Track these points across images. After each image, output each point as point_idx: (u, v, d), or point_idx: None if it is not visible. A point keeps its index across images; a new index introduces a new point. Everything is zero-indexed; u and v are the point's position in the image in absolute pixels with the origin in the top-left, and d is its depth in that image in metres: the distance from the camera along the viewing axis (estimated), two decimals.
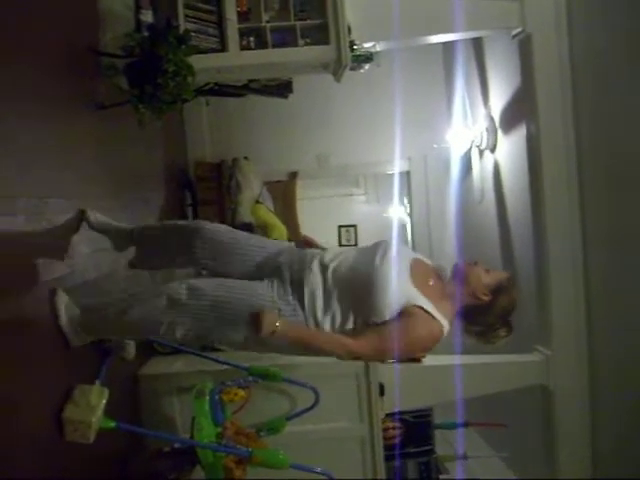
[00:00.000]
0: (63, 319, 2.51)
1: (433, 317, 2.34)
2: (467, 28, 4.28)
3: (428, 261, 2.62)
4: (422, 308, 2.32)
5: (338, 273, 2.42)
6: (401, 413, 4.08)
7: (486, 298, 2.47)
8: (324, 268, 2.44)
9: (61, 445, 2.49)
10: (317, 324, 2.37)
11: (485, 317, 2.49)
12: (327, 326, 2.37)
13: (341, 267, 2.44)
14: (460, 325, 2.52)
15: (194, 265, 2.66)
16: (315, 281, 2.42)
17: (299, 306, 2.39)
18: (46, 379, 2.44)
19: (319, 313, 2.37)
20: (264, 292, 2.41)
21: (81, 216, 2.83)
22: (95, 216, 2.86)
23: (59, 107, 2.86)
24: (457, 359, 4.26)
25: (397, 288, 2.33)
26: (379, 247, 2.48)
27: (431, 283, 2.47)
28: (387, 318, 2.30)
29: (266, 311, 2.20)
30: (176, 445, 3.37)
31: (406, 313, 2.31)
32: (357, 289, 2.38)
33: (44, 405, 2.43)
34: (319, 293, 2.40)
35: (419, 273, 2.46)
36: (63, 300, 2.53)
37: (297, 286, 2.42)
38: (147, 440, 3.44)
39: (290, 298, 2.40)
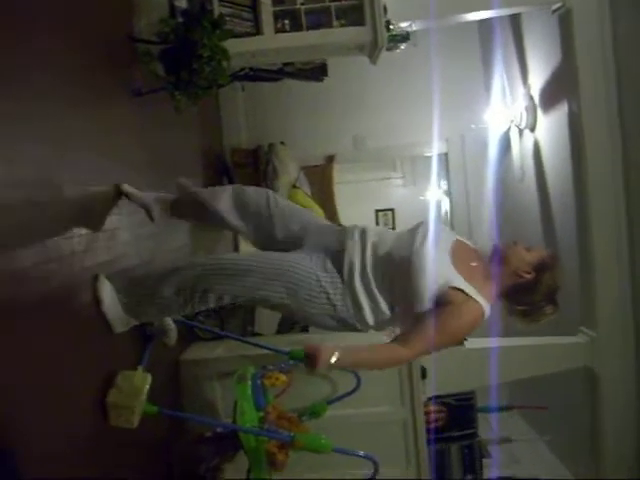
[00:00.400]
0: (106, 305, 2.52)
1: (474, 300, 2.32)
2: (505, 4, 4.21)
3: (470, 242, 2.59)
4: (461, 290, 2.30)
5: (378, 251, 2.43)
6: (444, 397, 4.05)
7: (529, 276, 2.44)
8: (364, 240, 2.47)
9: (106, 430, 2.51)
10: (355, 301, 2.40)
11: (530, 296, 2.46)
12: (367, 311, 2.39)
13: (380, 246, 2.45)
14: (505, 306, 2.49)
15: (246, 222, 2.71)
16: (355, 249, 2.44)
17: (338, 277, 2.41)
18: (90, 365, 2.46)
19: (357, 285, 2.39)
20: (304, 263, 2.44)
21: (118, 190, 2.85)
22: (129, 189, 2.88)
23: (97, 94, 2.87)
24: (500, 341, 4.22)
25: (438, 271, 2.31)
26: (418, 230, 2.47)
27: (474, 264, 2.45)
28: (428, 304, 2.30)
29: (323, 346, 2.20)
30: (218, 430, 3.38)
31: (446, 299, 2.30)
32: (397, 273, 2.38)
33: (88, 391, 2.45)
34: (357, 263, 2.41)
35: (461, 255, 2.45)
36: (106, 286, 2.55)
37: (337, 257, 2.45)
38: (189, 425, 3.47)
39: (330, 266, 2.44)
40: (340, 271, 2.43)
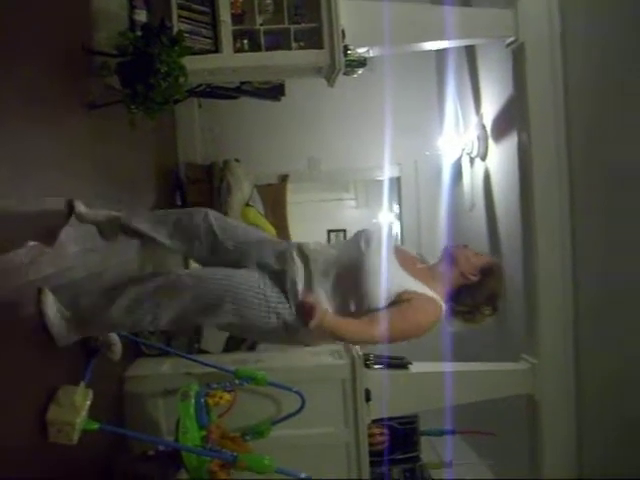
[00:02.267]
0: (50, 318, 2.49)
1: (429, 295, 2.42)
2: (460, 36, 4.29)
3: (408, 249, 2.75)
4: (414, 291, 2.40)
5: (320, 263, 2.50)
6: (387, 419, 4.07)
7: (475, 278, 2.57)
8: (305, 258, 2.52)
9: (44, 446, 2.46)
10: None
11: (473, 297, 2.57)
12: None
13: (324, 257, 2.53)
14: (448, 307, 2.57)
15: (188, 244, 2.73)
16: (295, 269, 2.50)
17: (283, 296, 2.46)
18: (30, 379, 2.42)
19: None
20: (253, 281, 2.48)
21: (70, 206, 2.84)
22: (82, 207, 2.87)
23: (51, 106, 2.85)
24: (445, 366, 4.27)
25: (387, 272, 2.41)
26: (361, 236, 2.56)
27: (419, 267, 2.59)
28: (382, 304, 2.37)
29: (317, 301, 2.25)
30: (160, 448, 3.34)
31: (402, 299, 2.38)
32: (346, 278, 2.45)
33: (28, 405, 2.40)
34: (300, 283, 2.47)
35: (405, 258, 2.58)
36: (50, 299, 2.51)
37: (279, 275, 2.50)
38: (131, 442, 3.42)
39: (274, 284, 2.49)
40: (283, 290, 2.47)
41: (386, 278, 2.38)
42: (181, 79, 3.22)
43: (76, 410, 2.51)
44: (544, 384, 4.17)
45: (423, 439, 4.25)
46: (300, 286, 2.46)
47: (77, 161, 3.13)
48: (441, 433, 4.36)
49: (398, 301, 2.38)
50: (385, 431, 4.07)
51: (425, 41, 4.41)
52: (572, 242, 4.04)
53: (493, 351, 5.16)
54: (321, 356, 4.00)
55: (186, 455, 2.77)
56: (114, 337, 3.16)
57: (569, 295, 4.08)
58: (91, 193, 3.16)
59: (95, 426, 2.62)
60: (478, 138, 5.33)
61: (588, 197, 3.91)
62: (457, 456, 4.66)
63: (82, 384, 2.72)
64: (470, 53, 5.56)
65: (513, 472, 4.82)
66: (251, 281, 2.48)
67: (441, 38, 4.32)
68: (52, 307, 2.51)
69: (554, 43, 4.05)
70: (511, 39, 4.18)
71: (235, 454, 2.62)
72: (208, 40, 3.98)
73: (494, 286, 2.60)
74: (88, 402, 2.61)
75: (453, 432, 4.36)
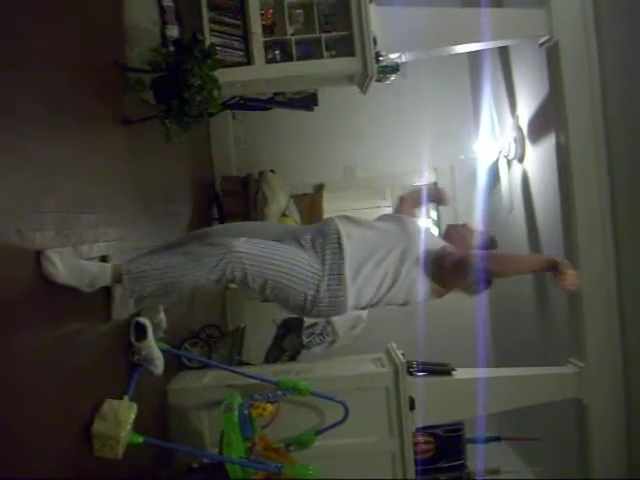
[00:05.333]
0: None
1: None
2: (494, 37, 4.25)
3: None
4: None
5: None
6: (432, 427, 4.02)
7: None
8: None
9: (90, 460, 2.48)
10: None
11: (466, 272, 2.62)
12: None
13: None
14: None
15: None
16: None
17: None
18: (77, 392, 2.43)
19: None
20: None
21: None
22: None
23: (87, 122, 2.88)
24: (489, 372, 4.21)
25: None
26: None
27: None
28: None
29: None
30: (205, 460, 3.35)
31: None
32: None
33: (73, 419, 2.42)
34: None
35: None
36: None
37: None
38: (176, 455, 3.43)
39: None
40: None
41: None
42: (215, 92, 3.24)
43: (121, 424, 2.53)
44: (592, 388, 4.09)
45: (469, 446, 4.18)
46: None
47: (114, 176, 3.16)
48: (486, 440, 4.29)
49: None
50: (430, 439, 4.02)
51: (457, 44, 4.38)
52: (615, 243, 3.96)
53: (539, 356, 5.08)
54: (364, 364, 3.98)
55: (230, 467, 2.77)
56: (156, 351, 3.17)
57: (614, 297, 4.00)
58: (127, 206, 3.19)
59: (140, 440, 2.63)
60: (515, 140, 5.27)
61: (630, 197, 3.83)
62: (504, 463, 4.58)
63: (126, 398, 2.74)
64: (503, 54, 5.51)
65: (561, 479, 4.73)
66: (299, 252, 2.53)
67: (473, 40, 4.28)
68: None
69: (589, 40, 3.98)
70: (545, 38, 4.13)
71: (279, 465, 2.62)
72: (240, 52, 4.01)
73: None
74: (133, 416, 2.62)
75: (499, 439, 4.29)
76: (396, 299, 2.65)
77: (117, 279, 2.44)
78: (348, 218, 2.70)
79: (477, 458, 4.38)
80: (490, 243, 2.84)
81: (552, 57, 4.19)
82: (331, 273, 2.50)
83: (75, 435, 2.41)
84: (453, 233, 2.86)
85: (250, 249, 2.41)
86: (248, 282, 2.43)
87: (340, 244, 2.53)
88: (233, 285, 2.66)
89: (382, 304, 2.67)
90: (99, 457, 2.49)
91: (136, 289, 2.44)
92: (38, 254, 2.20)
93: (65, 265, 2.29)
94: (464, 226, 2.91)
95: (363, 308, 2.71)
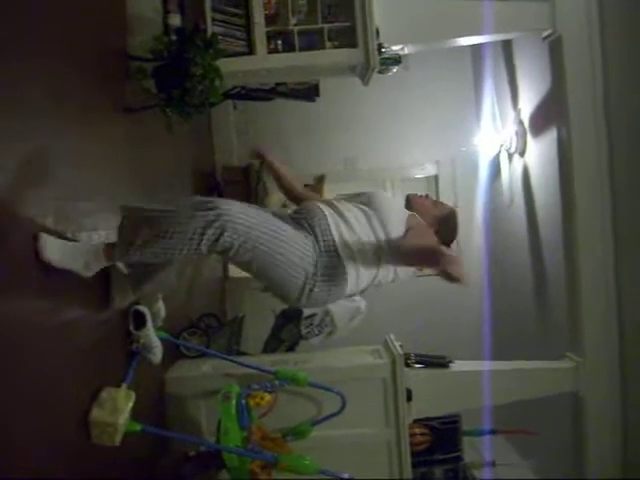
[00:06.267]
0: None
1: None
2: (496, 30, 4.23)
3: None
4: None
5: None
6: (429, 419, 4.03)
7: (432, 227, 2.78)
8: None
9: (87, 447, 2.49)
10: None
11: None
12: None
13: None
14: None
15: None
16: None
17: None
18: (74, 380, 2.44)
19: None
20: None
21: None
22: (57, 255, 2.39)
23: (89, 110, 2.88)
24: (486, 365, 4.22)
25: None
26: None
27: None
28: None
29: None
30: (202, 449, 3.37)
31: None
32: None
33: (71, 406, 2.43)
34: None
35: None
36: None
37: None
38: (173, 443, 3.45)
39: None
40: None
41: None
42: (216, 82, 3.23)
43: (119, 412, 2.54)
44: (589, 382, 4.09)
45: (465, 439, 4.20)
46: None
47: (114, 164, 3.17)
48: (483, 433, 4.31)
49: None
50: (427, 431, 4.04)
51: (460, 36, 4.36)
52: (614, 238, 3.96)
53: (536, 349, 5.09)
54: (361, 356, 3.99)
55: (227, 456, 2.78)
56: (155, 340, 3.18)
57: (612, 291, 4.00)
58: (127, 194, 3.19)
59: (137, 428, 2.64)
60: (516, 134, 5.26)
61: (630, 191, 3.83)
62: (500, 456, 4.60)
63: (124, 386, 2.75)
64: (506, 48, 5.49)
65: (556, 472, 4.74)
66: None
67: (476, 33, 4.26)
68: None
69: (592, 35, 3.97)
70: (548, 32, 4.11)
71: (276, 455, 2.63)
72: (242, 42, 3.99)
73: (449, 234, 2.85)
74: (130, 404, 2.63)
75: (495, 432, 4.31)
76: (387, 277, 2.68)
77: (110, 256, 2.42)
78: (329, 202, 2.70)
79: (484, 451, 4.41)
80: (452, 217, 2.89)
81: (555, 51, 4.18)
82: (327, 250, 2.49)
83: (73, 422, 2.42)
84: (416, 204, 2.85)
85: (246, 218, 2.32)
86: (235, 244, 2.29)
87: (328, 224, 2.53)
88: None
89: (375, 284, 2.70)
90: (97, 444, 2.51)
91: (132, 258, 2.38)
92: (35, 238, 2.21)
93: (59, 248, 2.29)
94: (427, 197, 2.94)
95: (362, 292, 2.72)
